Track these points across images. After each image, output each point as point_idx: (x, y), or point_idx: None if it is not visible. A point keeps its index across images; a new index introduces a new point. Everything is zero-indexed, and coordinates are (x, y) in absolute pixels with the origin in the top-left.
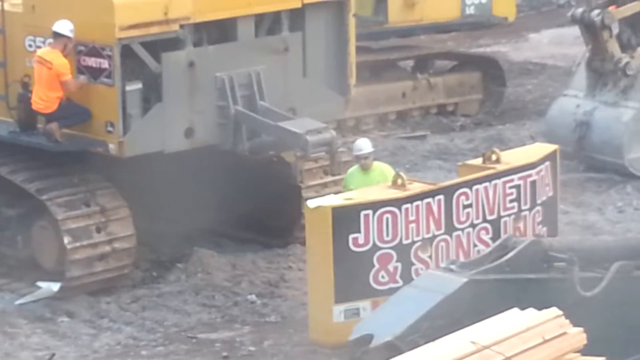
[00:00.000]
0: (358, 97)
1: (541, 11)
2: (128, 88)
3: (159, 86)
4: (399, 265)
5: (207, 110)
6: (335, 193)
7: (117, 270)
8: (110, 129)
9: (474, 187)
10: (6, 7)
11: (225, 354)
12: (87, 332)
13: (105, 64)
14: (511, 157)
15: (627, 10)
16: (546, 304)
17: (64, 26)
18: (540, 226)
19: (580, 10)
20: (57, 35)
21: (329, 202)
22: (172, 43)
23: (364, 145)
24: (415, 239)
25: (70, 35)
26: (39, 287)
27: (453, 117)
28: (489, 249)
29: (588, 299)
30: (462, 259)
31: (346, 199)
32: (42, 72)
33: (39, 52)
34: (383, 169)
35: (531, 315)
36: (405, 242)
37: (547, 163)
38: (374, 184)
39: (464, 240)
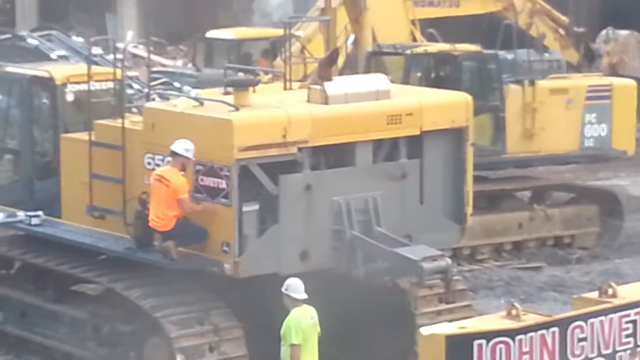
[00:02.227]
0: (474, 226)
1: None
2: (245, 209)
3: (275, 208)
4: None
5: (322, 234)
6: (450, 321)
7: None
8: (226, 248)
9: (590, 321)
10: (127, 124)
11: None
12: None
13: (223, 184)
14: (628, 292)
15: None
16: None
17: (181, 146)
18: None
19: None
20: (175, 155)
21: (443, 330)
22: (290, 165)
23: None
24: None
25: (188, 155)
26: None
27: (569, 249)
28: None
29: None
30: None
31: (460, 328)
32: (160, 190)
33: (158, 170)
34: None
35: None
36: None
37: None
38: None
39: None
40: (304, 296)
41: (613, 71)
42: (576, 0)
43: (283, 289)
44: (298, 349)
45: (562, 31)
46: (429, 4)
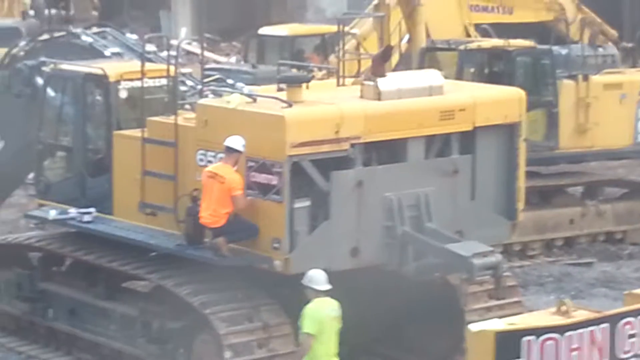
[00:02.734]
0: (525, 222)
1: None
2: (296, 205)
3: (326, 204)
4: None
5: (373, 230)
6: (499, 317)
7: None
8: (276, 245)
9: None
10: (180, 121)
11: None
12: None
13: (274, 180)
14: None
15: None
16: None
17: (237, 141)
18: None
19: None
20: (229, 150)
21: (492, 327)
22: (342, 162)
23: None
24: None
25: (243, 150)
26: None
27: (621, 245)
28: None
29: None
30: None
31: (509, 324)
32: (213, 187)
33: (211, 167)
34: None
35: None
36: None
37: None
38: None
39: None
40: (327, 287)
41: None
42: (631, 14)
43: (304, 281)
44: (309, 338)
45: (611, 44)
46: (483, 10)
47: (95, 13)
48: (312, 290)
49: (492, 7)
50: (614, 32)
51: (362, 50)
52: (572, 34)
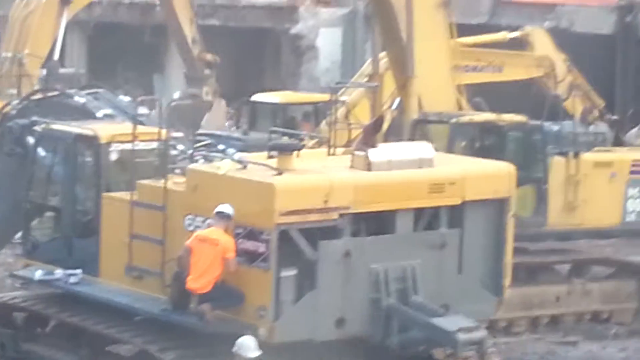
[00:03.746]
0: (512, 298)
1: None
2: (283, 274)
3: (313, 274)
4: None
5: (359, 301)
6: None
7: None
8: (261, 313)
9: None
10: (169, 185)
11: None
12: None
13: (262, 248)
14: None
15: None
16: None
17: (229, 207)
18: None
19: None
20: (220, 216)
21: None
22: (330, 231)
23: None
24: None
25: (232, 216)
26: None
27: (607, 325)
28: None
29: None
30: None
31: None
32: (204, 252)
33: (201, 232)
34: None
35: None
36: None
37: None
38: None
39: None
40: (256, 354)
41: None
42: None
43: (234, 349)
44: None
45: (596, 112)
46: (473, 69)
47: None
48: (241, 358)
49: (481, 67)
50: (601, 102)
51: (351, 118)
52: (560, 93)
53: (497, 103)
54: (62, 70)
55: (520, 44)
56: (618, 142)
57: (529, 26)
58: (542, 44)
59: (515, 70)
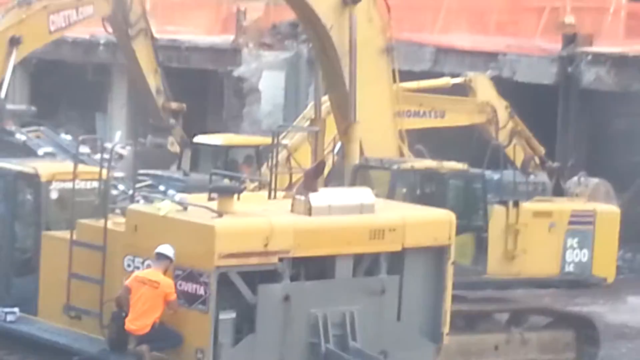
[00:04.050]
0: (450, 345)
1: None
2: (222, 316)
3: (252, 317)
4: None
5: (298, 345)
6: None
7: None
8: (200, 356)
9: None
10: (109, 225)
11: None
12: None
13: (201, 290)
14: None
15: None
16: None
17: (168, 249)
18: None
19: None
20: (160, 257)
21: None
22: (270, 275)
23: None
24: None
25: (173, 258)
26: None
27: None
28: None
29: None
30: None
31: None
32: (143, 293)
33: (141, 273)
34: None
35: None
36: None
37: None
38: None
39: None
40: None
41: None
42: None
43: None
44: None
45: (537, 159)
46: (415, 115)
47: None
48: None
49: (424, 112)
50: (541, 149)
51: (292, 162)
52: (502, 139)
53: (439, 150)
54: (13, 107)
55: (463, 90)
56: (559, 190)
57: (471, 72)
58: (484, 90)
59: (457, 116)
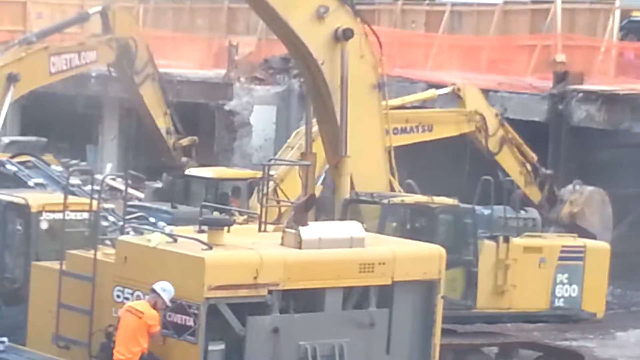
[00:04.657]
0: None
1: (630, 310)
2: (211, 348)
3: (241, 349)
4: None
5: None
6: None
7: None
8: None
9: None
10: (99, 256)
11: None
12: None
13: (190, 321)
14: None
15: None
16: None
17: (163, 287)
18: None
19: None
20: (154, 291)
21: None
22: (259, 307)
23: None
24: None
25: (165, 297)
26: None
27: None
28: None
29: None
30: None
31: None
32: (130, 322)
33: (130, 303)
34: None
35: None
36: None
37: None
38: None
39: None
40: None
41: (572, 220)
42: (554, 169)
43: None
44: None
45: (529, 167)
46: (403, 131)
47: None
48: None
49: (411, 128)
50: (533, 155)
51: (279, 192)
52: (491, 147)
53: (428, 186)
54: (24, 139)
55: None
56: (552, 198)
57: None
58: (473, 98)
59: (445, 127)
